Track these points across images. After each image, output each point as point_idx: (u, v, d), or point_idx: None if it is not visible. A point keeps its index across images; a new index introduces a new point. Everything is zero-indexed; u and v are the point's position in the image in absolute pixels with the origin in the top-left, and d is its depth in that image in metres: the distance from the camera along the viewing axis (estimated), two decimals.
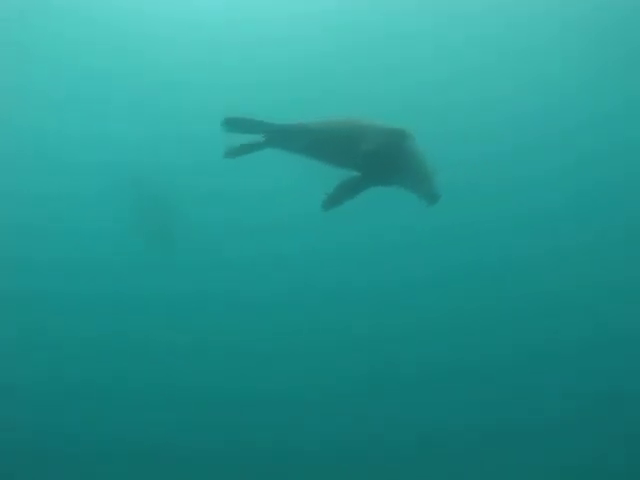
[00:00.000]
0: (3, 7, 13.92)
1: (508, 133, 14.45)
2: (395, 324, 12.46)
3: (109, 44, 14.66)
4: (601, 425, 10.68)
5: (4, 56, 14.31)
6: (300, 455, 10.85)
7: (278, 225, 13.95)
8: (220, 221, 14.04)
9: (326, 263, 13.64)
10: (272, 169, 13.64)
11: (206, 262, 13.70)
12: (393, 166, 5.89)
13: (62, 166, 14.37)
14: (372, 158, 5.81)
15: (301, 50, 14.60)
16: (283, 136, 6.15)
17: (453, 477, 10.46)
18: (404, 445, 10.90)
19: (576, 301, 12.48)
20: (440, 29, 14.60)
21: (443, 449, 10.72)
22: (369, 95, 12.19)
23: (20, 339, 12.17)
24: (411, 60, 14.51)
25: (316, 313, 12.85)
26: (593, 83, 14.41)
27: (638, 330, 11.65)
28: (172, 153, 14.52)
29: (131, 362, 12.02)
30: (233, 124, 6.16)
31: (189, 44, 14.94)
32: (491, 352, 12.12)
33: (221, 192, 14.17)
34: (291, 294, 13.24)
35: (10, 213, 13.77)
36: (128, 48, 14.76)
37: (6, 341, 11.97)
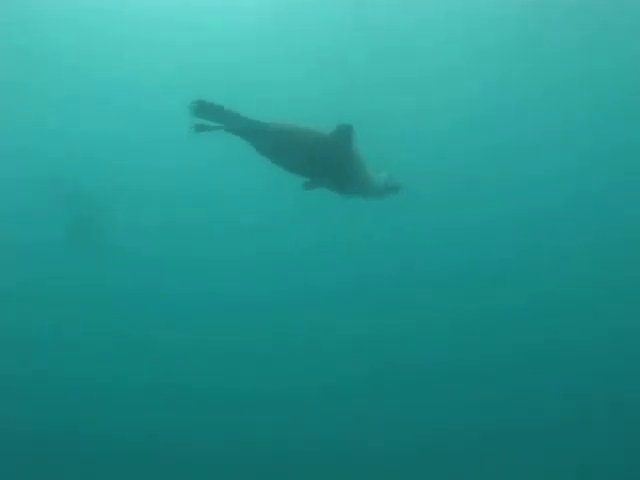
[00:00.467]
0: None
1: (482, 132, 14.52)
2: (370, 324, 12.46)
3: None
4: (600, 425, 10.64)
5: None
6: (295, 455, 10.83)
7: (215, 226, 14.08)
8: (150, 221, 14.11)
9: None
10: (207, 169, 14.12)
11: (132, 261, 13.66)
12: (340, 170, 5.97)
13: None
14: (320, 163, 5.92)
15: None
16: (243, 130, 6.04)
17: (449, 477, 10.42)
18: (400, 445, 10.84)
19: (570, 301, 12.44)
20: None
21: (439, 449, 10.67)
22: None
23: None
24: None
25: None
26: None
27: (634, 330, 11.61)
28: (103, 152, 14.48)
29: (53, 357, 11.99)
30: (201, 109, 5.97)
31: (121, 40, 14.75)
32: (487, 352, 12.08)
33: (151, 192, 14.28)
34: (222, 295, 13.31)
35: None
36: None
37: None
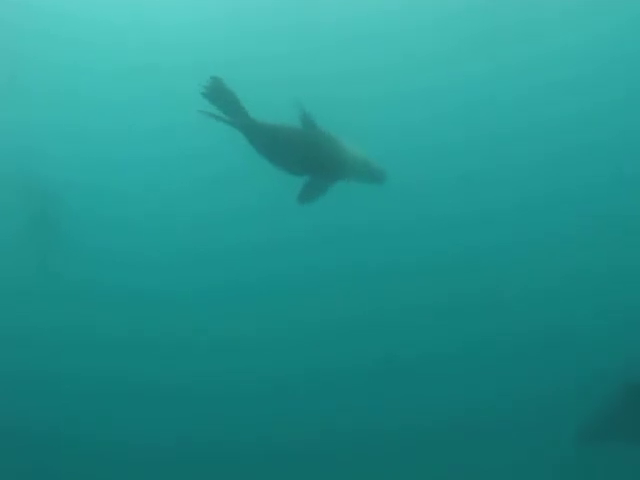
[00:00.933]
0: None
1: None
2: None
3: None
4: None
5: None
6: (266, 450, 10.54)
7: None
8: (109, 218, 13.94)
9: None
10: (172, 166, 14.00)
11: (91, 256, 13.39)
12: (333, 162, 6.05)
13: None
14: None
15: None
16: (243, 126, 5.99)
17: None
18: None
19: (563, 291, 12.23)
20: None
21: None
22: None
23: None
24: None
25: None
26: None
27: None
28: (64, 146, 14.20)
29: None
30: (215, 92, 5.76)
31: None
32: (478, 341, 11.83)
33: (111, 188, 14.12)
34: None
35: None
36: None
37: None
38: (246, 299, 12.86)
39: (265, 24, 14.12)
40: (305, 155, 5.95)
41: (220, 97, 5.76)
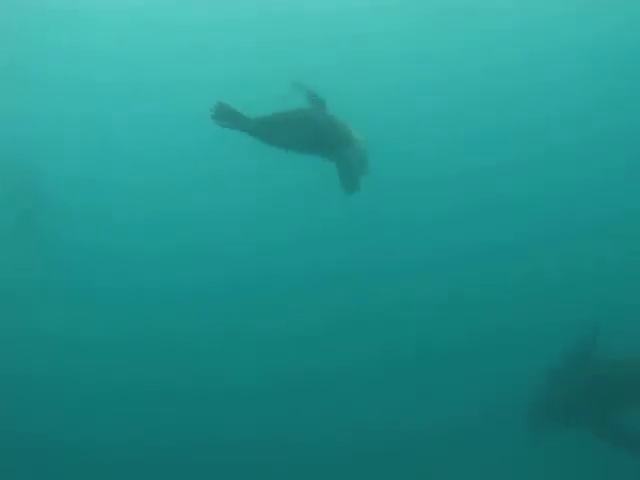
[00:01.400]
0: None
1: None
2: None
3: None
4: None
5: None
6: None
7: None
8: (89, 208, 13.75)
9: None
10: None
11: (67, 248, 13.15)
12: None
13: None
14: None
15: None
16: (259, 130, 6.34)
17: None
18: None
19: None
20: None
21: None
22: None
23: None
24: None
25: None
26: None
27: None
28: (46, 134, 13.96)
29: None
30: (221, 113, 6.23)
31: None
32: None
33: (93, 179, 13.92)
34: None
35: None
36: None
37: None
38: (242, 296, 12.66)
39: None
40: (307, 130, 6.26)
41: (226, 117, 6.20)
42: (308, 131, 6.28)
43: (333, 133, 6.33)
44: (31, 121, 14.01)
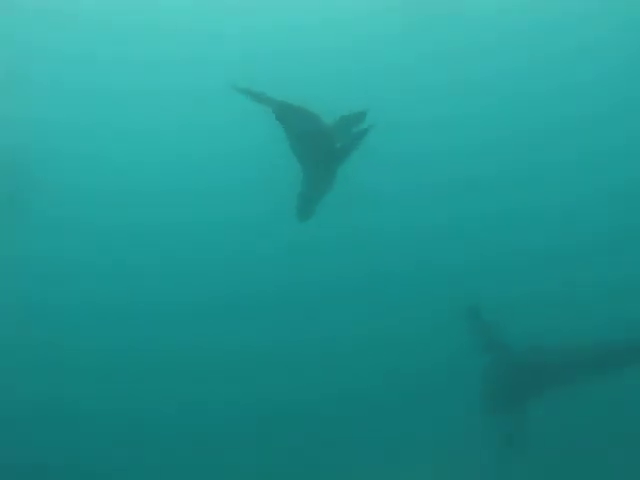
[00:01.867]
0: None
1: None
2: None
3: None
4: None
5: None
6: None
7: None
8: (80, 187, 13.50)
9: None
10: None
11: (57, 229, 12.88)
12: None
13: None
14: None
15: None
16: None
17: None
18: None
19: None
20: None
21: None
22: None
23: None
24: None
25: None
26: None
27: None
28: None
29: None
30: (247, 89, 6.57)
31: None
32: None
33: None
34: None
35: None
36: None
37: None
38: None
39: None
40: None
41: (252, 93, 6.57)
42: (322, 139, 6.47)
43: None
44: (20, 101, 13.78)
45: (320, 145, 6.50)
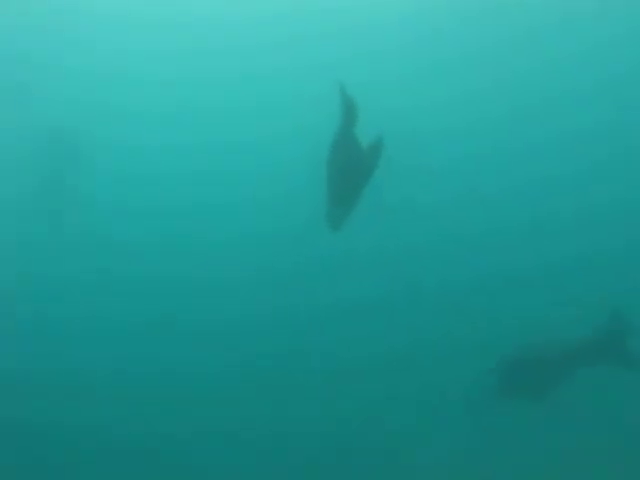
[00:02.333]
0: None
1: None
2: None
3: None
4: None
5: None
6: None
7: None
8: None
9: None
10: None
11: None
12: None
13: None
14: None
15: None
16: None
17: None
18: None
19: None
20: None
21: None
22: None
23: None
24: None
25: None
26: None
27: None
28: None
29: None
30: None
31: None
32: None
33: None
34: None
35: None
36: None
37: None
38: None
39: None
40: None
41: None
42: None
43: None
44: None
45: (351, 162, 6.66)
